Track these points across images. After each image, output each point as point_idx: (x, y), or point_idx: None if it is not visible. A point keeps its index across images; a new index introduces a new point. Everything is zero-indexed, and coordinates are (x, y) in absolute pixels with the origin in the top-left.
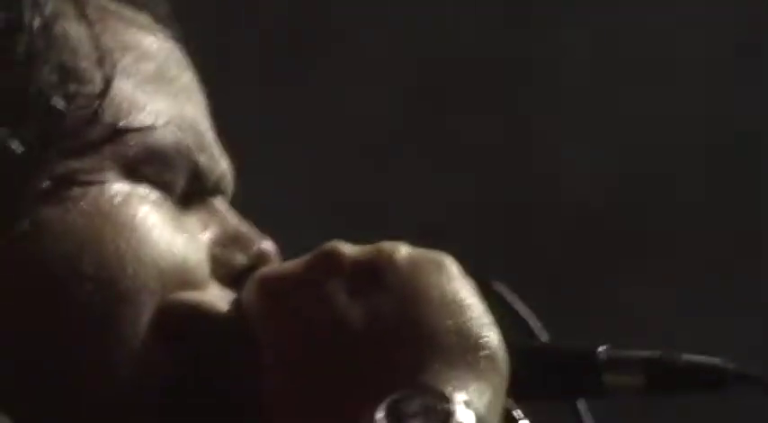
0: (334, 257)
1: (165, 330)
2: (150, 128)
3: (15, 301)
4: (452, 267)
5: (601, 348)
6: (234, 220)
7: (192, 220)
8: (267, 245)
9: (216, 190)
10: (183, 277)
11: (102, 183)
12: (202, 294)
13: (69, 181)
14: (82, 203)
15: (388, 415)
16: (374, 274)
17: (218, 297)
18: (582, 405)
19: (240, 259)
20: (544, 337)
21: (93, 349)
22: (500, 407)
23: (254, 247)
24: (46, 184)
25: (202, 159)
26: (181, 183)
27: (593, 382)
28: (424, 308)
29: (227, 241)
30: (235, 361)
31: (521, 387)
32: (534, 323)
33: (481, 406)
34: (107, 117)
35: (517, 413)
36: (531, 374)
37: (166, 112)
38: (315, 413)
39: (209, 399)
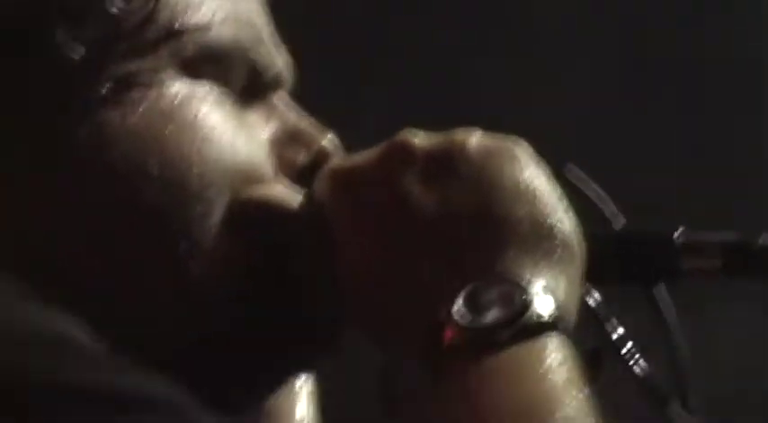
0: (407, 148)
1: (237, 226)
2: (207, 26)
3: (82, 208)
4: (526, 154)
5: (677, 232)
6: (294, 116)
7: (254, 116)
8: (328, 140)
9: (275, 84)
10: (248, 174)
11: (162, 84)
12: (271, 188)
13: (128, 83)
14: (142, 105)
15: (466, 305)
16: (447, 163)
17: (285, 192)
18: (659, 289)
19: (302, 156)
20: (620, 221)
21: (164, 250)
22: (577, 293)
23: (316, 144)
24: (105, 87)
25: (261, 54)
26: (240, 79)
27: (670, 266)
28: (499, 196)
29: (289, 137)
30: (309, 251)
31: (597, 273)
32: (610, 208)
33: (559, 293)
34: (163, 18)
35: (594, 299)
36: (607, 260)
37: (222, 9)
38: (391, 306)
39: (284, 290)
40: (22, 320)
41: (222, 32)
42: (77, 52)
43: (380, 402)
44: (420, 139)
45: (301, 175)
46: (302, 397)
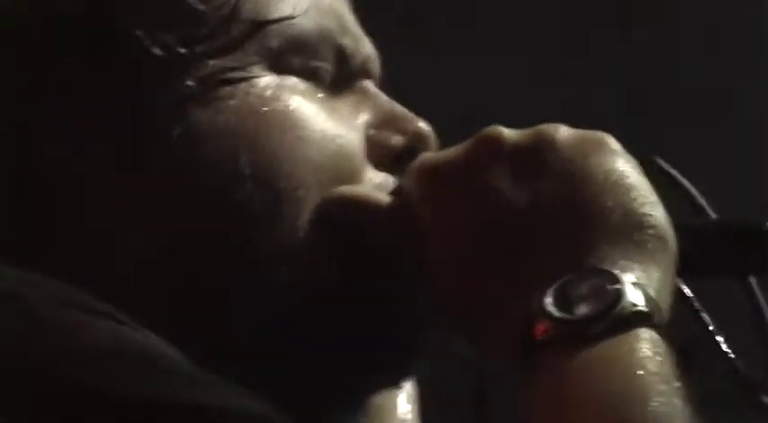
0: (496, 141)
1: (325, 226)
2: (290, 18)
3: (176, 208)
4: (614, 146)
5: None
6: (386, 102)
7: (345, 105)
8: (423, 124)
9: (364, 73)
10: (339, 168)
11: (250, 79)
12: (360, 186)
13: (216, 81)
14: (231, 102)
15: (557, 298)
16: (536, 156)
17: (376, 185)
18: (753, 282)
19: (397, 140)
20: (711, 213)
21: (251, 252)
22: (670, 286)
23: (412, 127)
24: (192, 86)
25: (346, 42)
26: (329, 69)
27: (764, 258)
28: (588, 188)
29: (382, 123)
30: (399, 251)
31: (689, 265)
32: (700, 200)
33: (651, 285)
34: (247, 12)
35: (687, 291)
36: (699, 252)
37: (305, 0)
38: (481, 302)
39: (373, 292)
40: (108, 336)
41: (306, 23)
42: (164, 51)
43: (473, 401)
44: (508, 132)
45: (398, 159)
46: (403, 397)
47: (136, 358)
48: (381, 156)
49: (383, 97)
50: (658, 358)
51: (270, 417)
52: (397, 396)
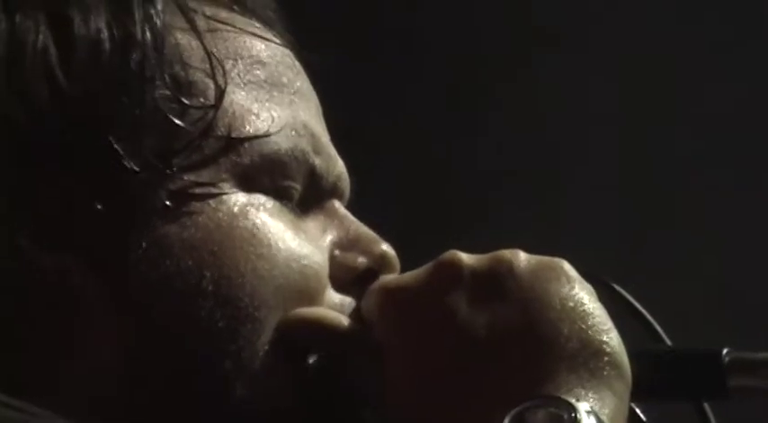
0: (455, 267)
1: (285, 346)
2: (265, 135)
3: (142, 319)
4: (571, 272)
5: (725, 350)
6: (353, 223)
7: (311, 224)
8: (388, 247)
9: (333, 192)
10: (302, 288)
11: (220, 195)
12: (320, 308)
13: (186, 196)
14: (200, 218)
15: None
16: (494, 282)
17: (336, 306)
18: (708, 407)
19: (360, 261)
20: (665, 338)
21: (211, 367)
22: (625, 412)
23: (376, 249)
24: (163, 200)
25: (318, 162)
26: (298, 187)
27: (718, 385)
28: (546, 315)
29: (348, 244)
30: (358, 371)
31: (644, 389)
32: (655, 324)
33: (605, 413)
34: (221, 128)
35: (641, 416)
36: (654, 377)
37: (281, 118)
38: (437, 420)
39: (332, 410)
40: None
41: (281, 141)
42: (137, 164)
43: None
44: (467, 258)
45: (359, 280)
46: None
47: None
48: (344, 276)
49: (350, 218)
50: None
51: None
52: None
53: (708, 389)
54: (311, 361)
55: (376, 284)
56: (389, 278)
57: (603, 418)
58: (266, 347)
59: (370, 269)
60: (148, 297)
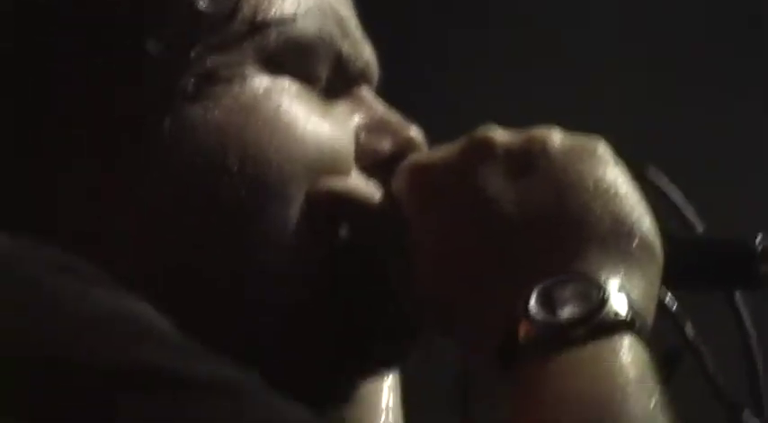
0: (487, 143)
1: (314, 220)
2: (290, 18)
3: (161, 202)
4: (607, 154)
5: (758, 238)
6: (381, 108)
7: (339, 109)
8: (415, 131)
9: (361, 78)
10: (328, 167)
11: (244, 78)
12: (350, 181)
13: (210, 78)
14: (223, 100)
15: (541, 300)
16: (527, 160)
17: (364, 185)
18: (738, 296)
19: (387, 145)
20: (699, 225)
21: (240, 245)
22: (654, 295)
23: (403, 133)
24: (188, 83)
25: (346, 46)
26: (325, 72)
27: (750, 273)
28: (579, 195)
29: (374, 128)
30: (387, 247)
31: (675, 277)
32: (689, 212)
33: (636, 293)
34: (246, 12)
35: (670, 302)
36: (685, 264)
37: (306, 1)
38: (466, 301)
39: (360, 286)
40: (95, 304)
41: (306, 25)
42: (161, 48)
43: (455, 400)
44: (500, 134)
45: (386, 164)
46: (386, 389)
47: (129, 326)
48: (370, 160)
49: (378, 103)
50: (638, 365)
51: (253, 387)
52: (381, 388)
53: (740, 276)
54: (340, 234)
55: (406, 161)
56: (421, 154)
57: (633, 298)
58: (294, 223)
59: (396, 152)
60: (174, 175)
